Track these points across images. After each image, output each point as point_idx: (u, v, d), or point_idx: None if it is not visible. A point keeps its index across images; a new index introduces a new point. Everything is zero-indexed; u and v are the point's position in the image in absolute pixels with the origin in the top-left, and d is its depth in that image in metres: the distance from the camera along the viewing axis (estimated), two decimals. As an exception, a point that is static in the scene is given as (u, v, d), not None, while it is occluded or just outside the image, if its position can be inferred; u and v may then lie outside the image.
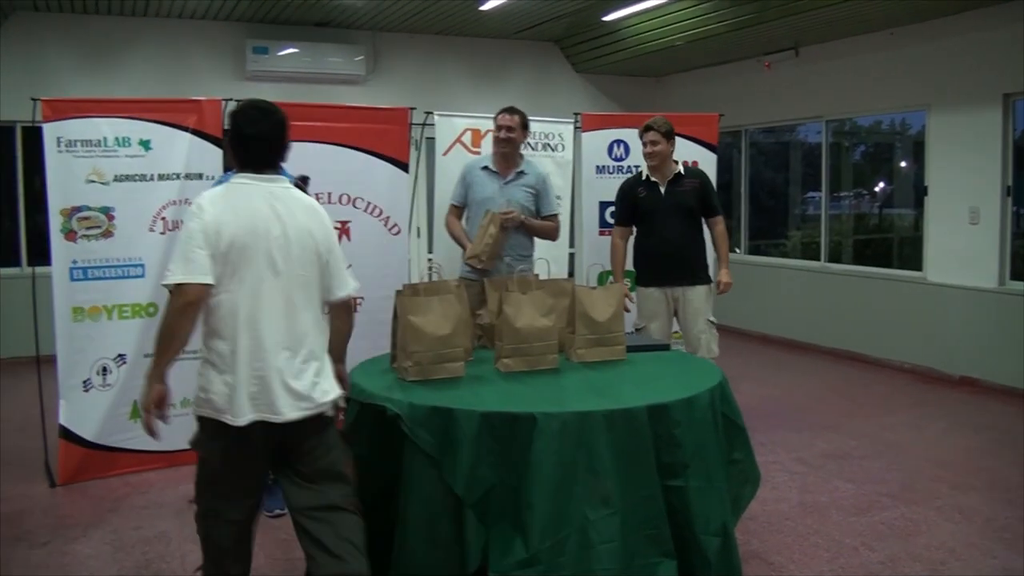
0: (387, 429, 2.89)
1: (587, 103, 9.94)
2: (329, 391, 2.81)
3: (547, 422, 2.75)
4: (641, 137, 5.10)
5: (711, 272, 5.31)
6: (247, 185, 2.80)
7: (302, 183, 3.93)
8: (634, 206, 5.19)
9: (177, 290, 2.64)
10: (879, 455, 5.28)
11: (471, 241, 4.90)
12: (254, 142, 2.82)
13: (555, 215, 5.13)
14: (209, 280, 2.65)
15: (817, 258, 8.87)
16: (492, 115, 5.93)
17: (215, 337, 2.72)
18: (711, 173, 5.78)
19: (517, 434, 2.77)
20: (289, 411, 2.71)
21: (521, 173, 5.01)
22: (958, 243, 7.22)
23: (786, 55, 8.68)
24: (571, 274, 6.23)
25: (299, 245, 2.77)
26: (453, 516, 2.78)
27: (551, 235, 5.18)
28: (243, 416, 2.66)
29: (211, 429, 2.73)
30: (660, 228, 5.10)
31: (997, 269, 6.94)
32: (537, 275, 3.55)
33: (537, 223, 5.02)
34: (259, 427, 2.69)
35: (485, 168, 5.04)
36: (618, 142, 6.10)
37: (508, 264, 4.81)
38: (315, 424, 2.79)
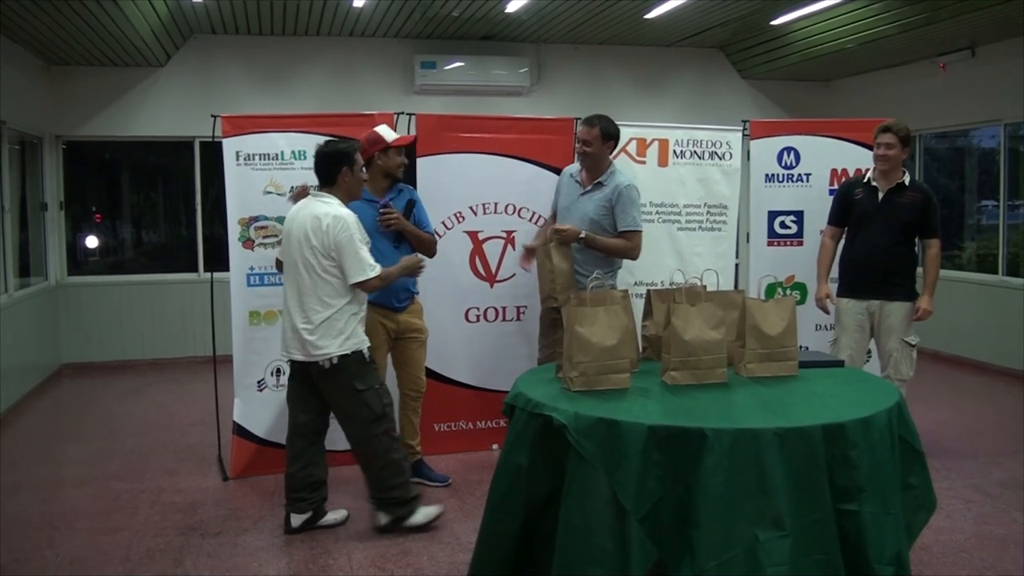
0: (552, 438, 2.88)
1: (753, 109, 9.72)
2: (323, 348, 4.00)
3: (717, 438, 2.66)
4: (876, 138, 4.91)
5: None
6: (308, 197, 4.17)
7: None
8: (848, 207, 5.03)
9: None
10: (1061, 487, 4.90)
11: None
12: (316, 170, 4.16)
13: (631, 231, 4.67)
14: (280, 256, 4.26)
15: (994, 271, 8.34)
16: (658, 124, 5.85)
17: None
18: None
19: (685, 449, 2.69)
20: (296, 354, 4.09)
21: (599, 184, 4.72)
22: None
23: (962, 55, 8.21)
24: (736, 286, 6.09)
25: (296, 240, 4.05)
26: (615, 528, 2.73)
27: (624, 253, 4.75)
28: (284, 352, 4.21)
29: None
30: (866, 236, 4.93)
31: None
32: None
33: (601, 240, 4.64)
34: (293, 363, 4.18)
35: (572, 176, 4.89)
36: (788, 149, 5.88)
37: (579, 283, 4.56)
38: (320, 370, 4.04)
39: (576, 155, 4.85)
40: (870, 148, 5.82)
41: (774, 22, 8.30)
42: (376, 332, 4.56)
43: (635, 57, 9.74)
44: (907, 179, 4.92)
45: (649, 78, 9.85)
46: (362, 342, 4.12)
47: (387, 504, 4.23)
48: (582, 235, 4.60)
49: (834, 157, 5.83)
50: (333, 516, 4.37)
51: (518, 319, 5.51)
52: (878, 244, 4.90)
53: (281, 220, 5.02)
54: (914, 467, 3.14)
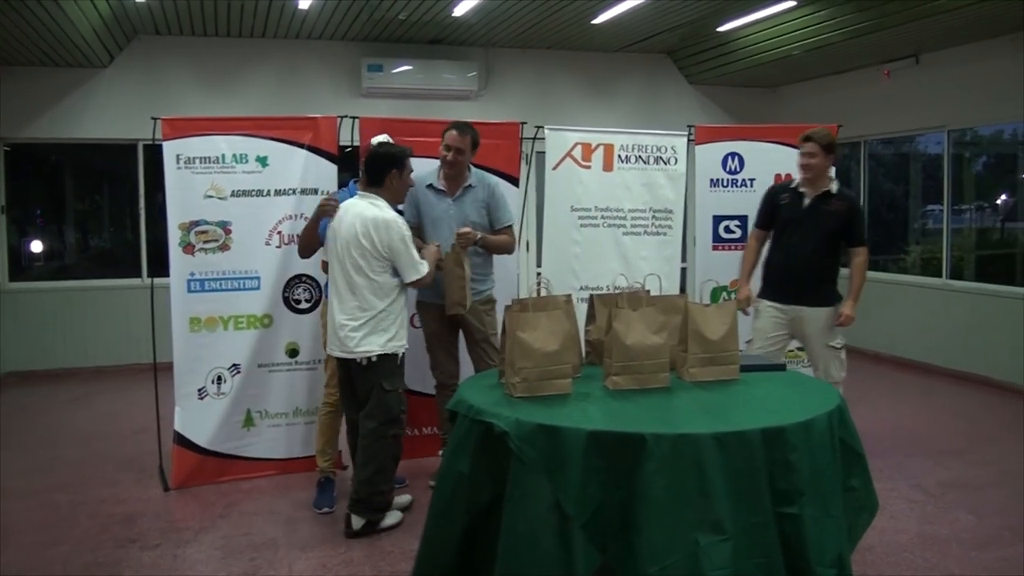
0: (493, 445, 2.85)
1: (700, 115, 9.79)
2: (365, 346, 4.10)
3: (657, 443, 2.66)
4: (799, 147, 4.89)
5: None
6: (355, 197, 4.27)
7: None
8: (774, 211, 5.04)
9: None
10: (1002, 485, 4.98)
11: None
12: (364, 168, 4.28)
13: (509, 226, 4.86)
14: (324, 258, 4.41)
15: (939, 274, 8.48)
16: (603, 129, 5.79)
17: None
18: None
19: (626, 454, 2.68)
20: (336, 351, 4.20)
21: (469, 187, 4.77)
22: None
23: (906, 63, 8.37)
24: (682, 290, 6.08)
25: (344, 240, 4.12)
26: (558, 534, 2.71)
27: (508, 248, 4.92)
28: (329, 349, 4.31)
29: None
30: (790, 241, 4.93)
31: None
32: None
33: (493, 239, 4.76)
34: (337, 359, 4.27)
35: (431, 186, 4.78)
36: (732, 155, 5.92)
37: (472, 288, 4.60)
38: (357, 366, 4.14)
39: (441, 160, 4.75)
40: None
41: (720, 28, 8.36)
42: None
43: (582, 62, 9.76)
44: (834, 187, 4.91)
45: (596, 83, 9.88)
46: (402, 345, 4.24)
47: (366, 508, 4.24)
48: (479, 237, 4.62)
49: (778, 162, 5.87)
50: (402, 499, 4.58)
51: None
52: (802, 251, 4.89)
53: (222, 224, 4.99)
54: (855, 469, 3.16)
